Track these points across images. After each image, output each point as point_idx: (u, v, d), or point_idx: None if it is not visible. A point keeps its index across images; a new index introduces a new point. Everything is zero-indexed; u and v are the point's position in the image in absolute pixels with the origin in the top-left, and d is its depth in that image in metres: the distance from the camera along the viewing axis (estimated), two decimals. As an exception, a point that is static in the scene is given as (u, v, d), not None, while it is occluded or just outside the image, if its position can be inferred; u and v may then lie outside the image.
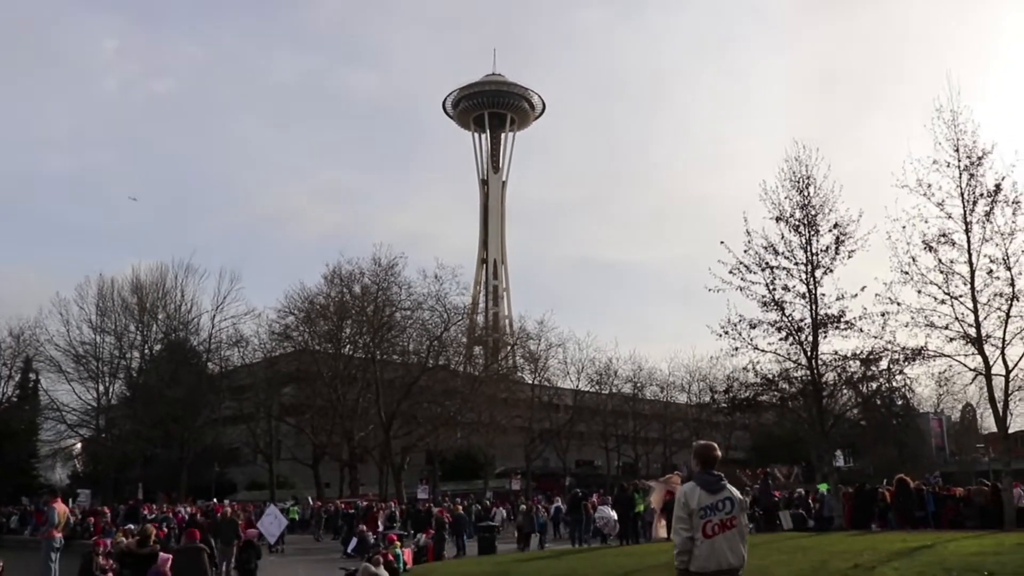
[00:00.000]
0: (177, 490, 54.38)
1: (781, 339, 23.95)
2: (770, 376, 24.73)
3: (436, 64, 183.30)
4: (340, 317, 55.30)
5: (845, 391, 29.46)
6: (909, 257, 21.56)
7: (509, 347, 67.27)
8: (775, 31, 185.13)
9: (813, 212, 23.73)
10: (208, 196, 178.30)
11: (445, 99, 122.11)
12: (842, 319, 23.28)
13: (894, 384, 27.34)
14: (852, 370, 24.33)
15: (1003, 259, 20.76)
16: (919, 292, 21.52)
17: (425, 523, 30.65)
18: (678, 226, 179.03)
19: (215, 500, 42.30)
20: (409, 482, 55.96)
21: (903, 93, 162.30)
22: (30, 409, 61.35)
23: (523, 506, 33.42)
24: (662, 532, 21.87)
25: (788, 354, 24.12)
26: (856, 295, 23.11)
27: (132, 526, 27.84)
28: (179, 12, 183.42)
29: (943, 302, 21.30)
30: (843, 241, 23.33)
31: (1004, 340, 20.97)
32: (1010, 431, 26.28)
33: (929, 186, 21.53)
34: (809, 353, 23.74)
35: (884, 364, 23.63)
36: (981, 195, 21.12)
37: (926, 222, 21.49)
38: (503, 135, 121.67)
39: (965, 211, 21.26)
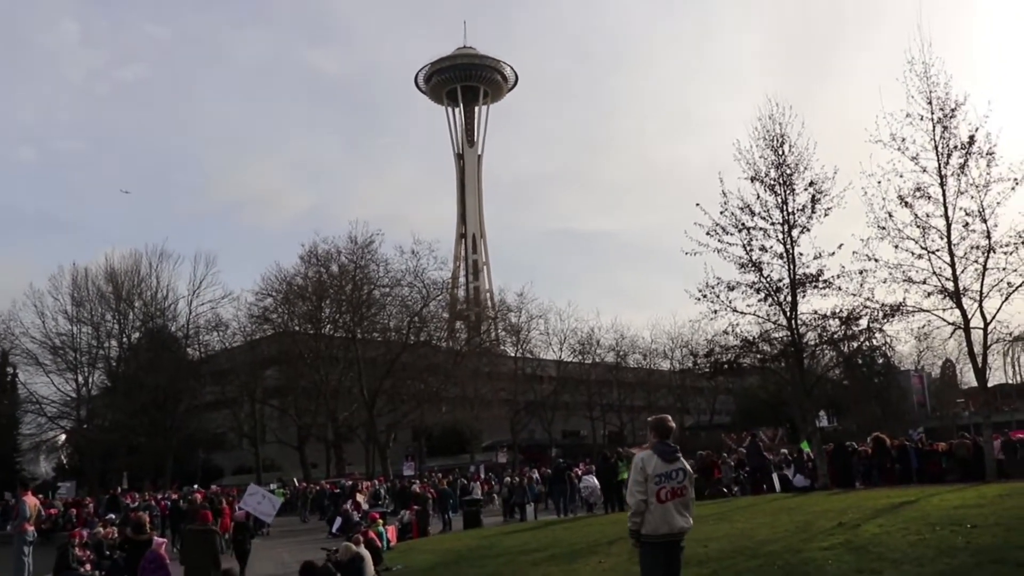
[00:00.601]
0: (163, 478, 54.09)
1: (760, 300, 23.86)
2: (750, 338, 24.65)
3: (406, 39, 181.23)
4: (319, 297, 54.92)
5: (826, 351, 29.49)
6: (885, 213, 21.51)
7: (491, 320, 67.03)
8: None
9: (788, 171, 23.51)
10: (179, 181, 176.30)
11: (417, 74, 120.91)
12: (820, 278, 23.15)
13: (874, 342, 27.26)
14: (832, 329, 24.26)
15: (979, 211, 20.68)
16: (896, 248, 21.48)
17: (407, 500, 30.57)
18: (656, 193, 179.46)
19: (195, 486, 42.03)
20: (397, 460, 55.93)
21: (877, 41, 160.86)
22: (9, 403, 60.72)
23: (508, 479, 33.36)
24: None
25: (768, 315, 24.05)
26: (833, 253, 22.99)
27: (113, 515, 27.53)
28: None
29: (920, 257, 21.25)
30: (819, 199, 23.17)
31: (981, 293, 20.97)
32: (989, 384, 26.42)
33: (903, 140, 21.44)
34: (788, 313, 23.66)
35: (864, 323, 23.59)
36: (955, 147, 20.99)
37: (901, 177, 21.44)
38: (477, 108, 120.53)
39: (940, 164, 21.14)
